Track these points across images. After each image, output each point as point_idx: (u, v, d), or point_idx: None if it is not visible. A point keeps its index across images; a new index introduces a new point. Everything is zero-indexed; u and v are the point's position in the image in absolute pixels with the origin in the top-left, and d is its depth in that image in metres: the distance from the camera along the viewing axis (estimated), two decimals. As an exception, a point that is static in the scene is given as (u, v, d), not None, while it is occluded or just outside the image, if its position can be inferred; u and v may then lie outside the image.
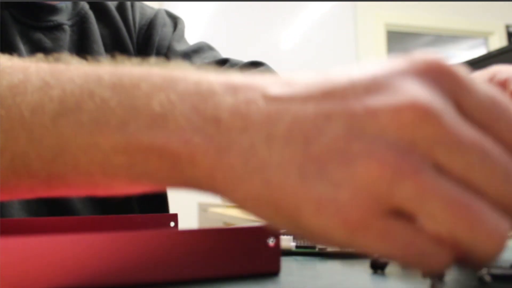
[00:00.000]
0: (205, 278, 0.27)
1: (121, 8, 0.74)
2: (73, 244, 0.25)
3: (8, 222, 0.40)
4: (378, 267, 0.29)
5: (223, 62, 0.76)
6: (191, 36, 3.28)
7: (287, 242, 0.37)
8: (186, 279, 0.27)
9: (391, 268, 0.30)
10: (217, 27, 3.15)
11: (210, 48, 0.80)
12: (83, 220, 0.43)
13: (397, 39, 3.59)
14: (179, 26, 0.78)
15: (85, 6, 0.71)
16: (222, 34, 3.14)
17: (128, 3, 0.76)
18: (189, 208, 2.36)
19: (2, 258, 0.23)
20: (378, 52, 3.46)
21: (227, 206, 1.43)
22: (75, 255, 0.25)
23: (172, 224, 0.43)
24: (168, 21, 0.78)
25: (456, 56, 3.71)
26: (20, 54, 0.61)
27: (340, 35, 3.37)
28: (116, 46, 0.72)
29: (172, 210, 0.64)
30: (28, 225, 0.40)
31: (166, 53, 0.74)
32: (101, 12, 0.72)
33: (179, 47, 0.76)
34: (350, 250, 0.21)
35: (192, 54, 0.76)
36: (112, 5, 0.74)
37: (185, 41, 0.78)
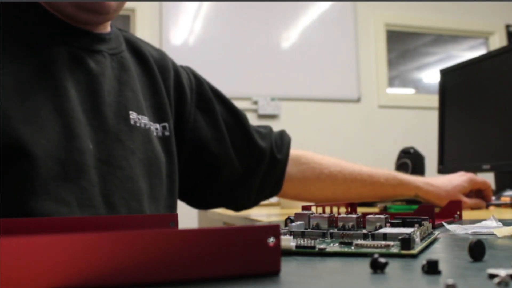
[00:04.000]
0: (205, 278, 0.27)
1: (162, 66, 0.84)
2: (73, 244, 0.25)
3: (8, 222, 0.40)
4: (378, 267, 0.29)
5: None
6: (191, 36, 3.25)
7: (287, 242, 0.37)
8: (186, 279, 0.27)
9: (391, 268, 0.30)
10: (217, 27, 3.15)
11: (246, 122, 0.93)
12: (83, 220, 0.43)
13: (397, 39, 3.59)
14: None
15: (123, 46, 0.79)
16: (222, 34, 3.14)
17: (171, 64, 0.86)
18: (189, 208, 2.36)
19: (2, 258, 0.23)
20: (378, 52, 3.46)
21: (227, 206, 1.43)
22: (75, 255, 0.25)
23: (172, 224, 0.43)
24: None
25: (456, 56, 3.71)
26: (59, 69, 0.67)
27: (340, 35, 3.36)
28: (152, 92, 0.81)
29: (172, 210, 0.64)
30: (28, 225, 0.40)
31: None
32: (138, 56, 0.81)
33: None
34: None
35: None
36: (149, 55, 0.83)
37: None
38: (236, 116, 0.90)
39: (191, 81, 0.88)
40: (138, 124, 0.74)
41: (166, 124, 0.80)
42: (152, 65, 0.82)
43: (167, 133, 0.80)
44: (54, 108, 0.65)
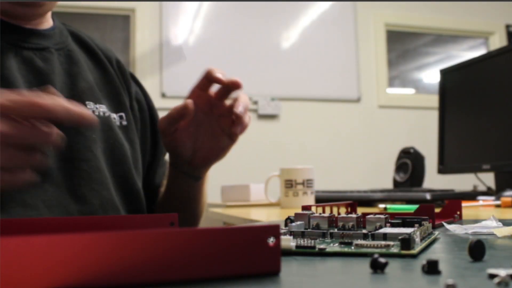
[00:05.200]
0: (205, 278, 0.27)
1: (109, 57, 0.84)
2: (73, 244, 0.25)
3: (8, 222, 0.40)
4: (378, 267, 0.29)
5: None
6: (191, 36, 3.25)
7: (287, 242, 0.37)
8: (186, 279, 0.27)
9: (391, 268, 0.30)
10: (217, 27, 3.15)
11: None
12: (83, 220, 0.43)
13: (397, 39, 3.59)
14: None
15: (68, 39, 0.78)
16: (222, 34, 3.14)
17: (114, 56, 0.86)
18: (189, 208, 2.35)
19: (2, 258, 0.23)
20: (378, 52, 3.46)
21: (227, 206, 1.43)
22: (75, 255, 0.25)
23: (172, 224, 0.43)
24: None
25: (456, 56, 3.71)
26: (11, 71, 0.67)
27: (340, 35, 3.36)
28: (105, 82, 0.80)
29: (172, 210, 0.64)
30: (28, 225, 0.40)
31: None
32: (85, 48, 0.81)
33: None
34: None
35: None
36: (96, 47, 0.82)
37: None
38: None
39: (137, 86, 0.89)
40: (96, 113, 0.74)
41: (123, 114, 0.80)
42: (101, 56, 0.82)
43: (124, 123, 0.79)
44: None
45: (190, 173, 0.77)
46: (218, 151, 0.75)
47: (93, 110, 0.73)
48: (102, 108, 0.76)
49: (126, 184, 0.76)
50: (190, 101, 0.68)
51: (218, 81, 0.70)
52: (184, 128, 0.73)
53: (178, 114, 0.69)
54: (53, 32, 0.76)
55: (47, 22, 0.77)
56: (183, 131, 0.73)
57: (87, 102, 0.73)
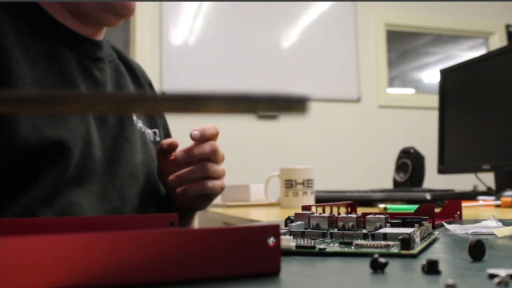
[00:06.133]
0: (205, 278, 0.27)
1: (144, 76, 0.88)
2: (73, 244, 0.25)
3: (8, 222, 0.40)
4: (378, 267, 0.29)
5: None
6: (192, 36, 3.25)
7: (287, 242, 0.37)
8: (186, 279, 0.27)
9: (391, 268, 0.30)
10: (217, 27, 3.15)
11: None
12: (83, 220, 0.43)
13: (397, 39, 3.59)
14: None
15: (114, 53, 0.81)
16: (222, 34, 3.14)
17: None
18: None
19: (2, 258, 0.23)
20: (378, 52, 3.46)
21: (227, 206, 1.43)
22: (75, 255, 0.25)
23: (172, 224, 0.43)
24: None
25: (456, 56, 3.70)
26: (74, 77, 0.70)
27: (340, 35, 3.36)
28: None
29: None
30: (28, 225, 0.40)
31: None
32: (125, 64, 0.83)
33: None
34: None
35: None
36: (135, 64, 0.86)
37: None
38: None
39: None
40: (137, 127, 0.78)
41: (157, 130, 0.84)
42: (138, 74, 0.86)
43: (158, 139, 0.83)
44: (77, 114, 0.67)
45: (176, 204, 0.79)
46: (194, 196, 0.74)
47: (136, 122, 0.77)
48: (139, 124, 0.79)
49: (155, 195, 0.79)
50: (176, 141, 0.74)
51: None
52: (171, 161, 0.75)
53: (166, 147, 0.74)
54: (104, 44, 0.78)
55: (102, 34, 0.78)
56: (170, 163, 0.75)
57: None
